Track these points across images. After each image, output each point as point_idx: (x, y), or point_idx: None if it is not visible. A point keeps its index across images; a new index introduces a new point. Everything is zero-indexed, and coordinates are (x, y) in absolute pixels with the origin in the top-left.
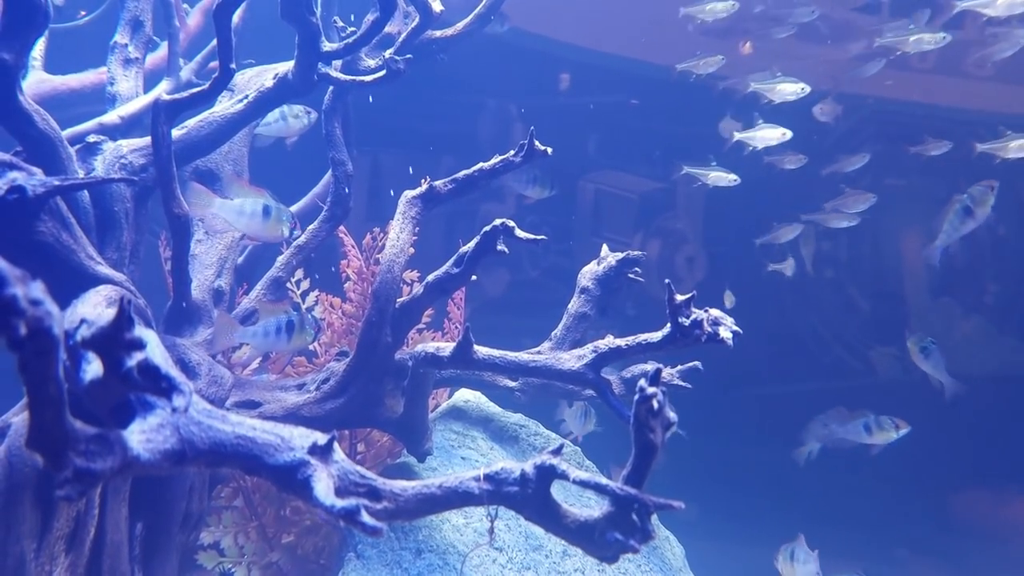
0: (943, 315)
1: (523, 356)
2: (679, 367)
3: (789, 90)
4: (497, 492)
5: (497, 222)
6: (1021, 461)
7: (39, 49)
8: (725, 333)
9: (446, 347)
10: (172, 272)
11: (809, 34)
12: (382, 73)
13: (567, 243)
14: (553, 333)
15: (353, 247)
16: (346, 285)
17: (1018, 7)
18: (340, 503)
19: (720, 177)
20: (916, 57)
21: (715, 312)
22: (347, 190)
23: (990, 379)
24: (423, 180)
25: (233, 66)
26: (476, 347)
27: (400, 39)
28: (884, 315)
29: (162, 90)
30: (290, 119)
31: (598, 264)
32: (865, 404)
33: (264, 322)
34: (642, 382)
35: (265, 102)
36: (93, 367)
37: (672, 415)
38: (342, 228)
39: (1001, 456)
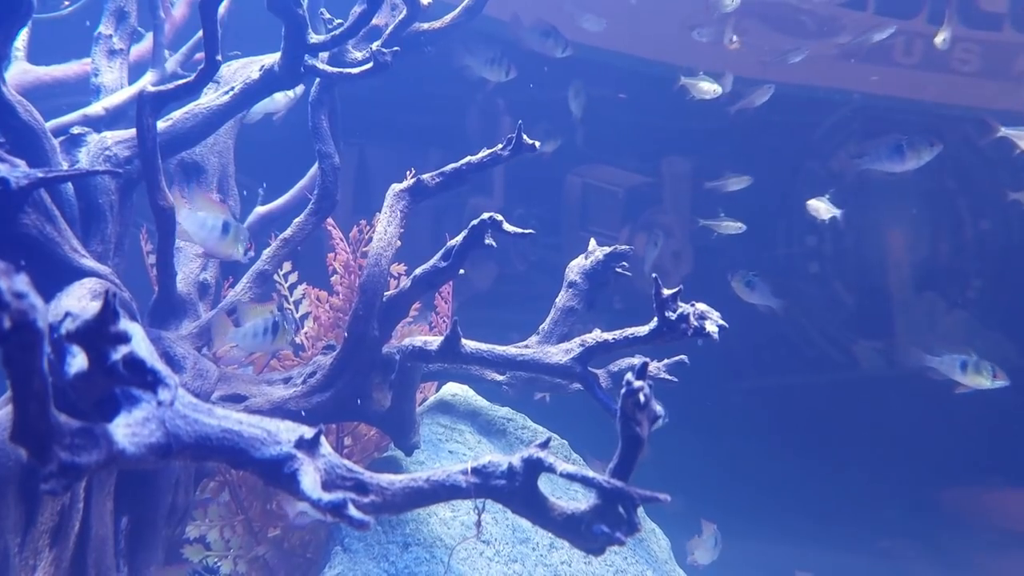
0: (927, 310)
1: (511, 350)
2: (665, 361)
3: None
4: (484, 485)
5: (485, 216)
6: (1004, 453)
7: (22, 39)
8: (711, 327)
9: (434, 341)
10: (157, 265)
11: (796, 30)
12: (369, 65)
13: (555, 237)
14: (541, 327)
15: (341, 240)
16: (333, 279)
17: None
18: (327, 497)
19: (730, 227)
20: (901, 52)
21: (701, 306)
22: (334, 182)
23: None
24: (408, 172)
25: (219, 58)
26: (464, 341)
27: (387, 31)
28: (868, 309)
29: (147, 82)
30: (276, 94)
31: (586, 258)
32: (851, 398)
33: (253, 323)
34: (628, 376)
35: (251, 94)
36: (78, 360)
37: (658, 408)
38: (331, 221)
39: (984, 448)
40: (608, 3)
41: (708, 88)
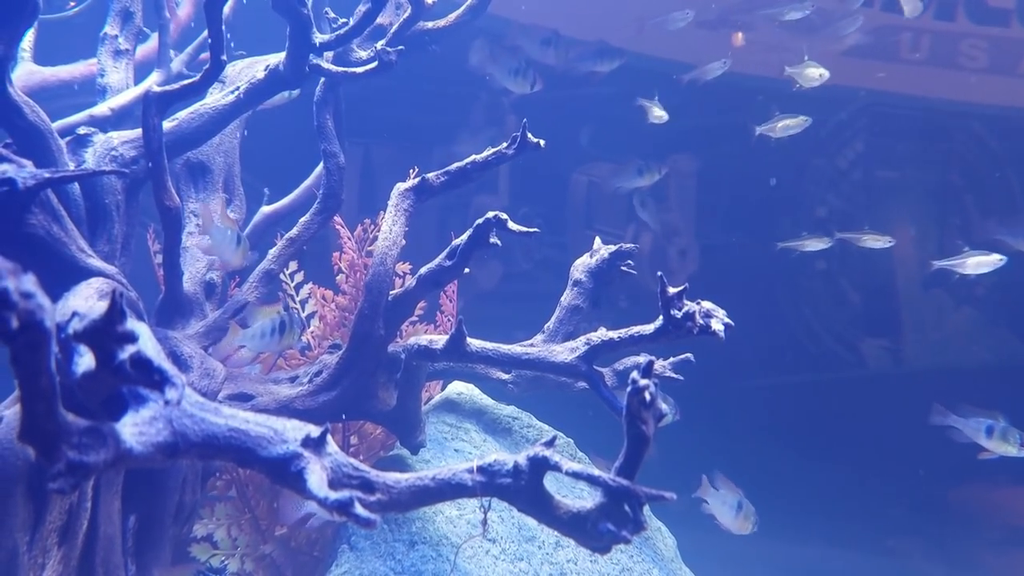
0: (934, 307)
1: (516, 349)
2: (671, 359)
3: None
4: (490, 484)
5: (490, 214)
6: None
7: (29, 40)
8: (717, 325)
9: (439, 340)
10: (164, 264)
11: (800, 25)
12: (374, 64)
13: (560, 236)
14: (546, 326)
15: (349, 239)
16: (338, 278)
17: None
18: (334, 495)
19: (875, 239)
20: (908, 49)
21: (707, 304)
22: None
23: (980, 370)
24: (411, 171)
25: (224, 58)
26: (469, 340)
27: (392, 30)
28: (875, 307)
29: (153, 82)
30: None
31: (591, 257)
32: (857, 396)
33: (260, 324)
34: (634, 374)
35: (256, 94)
36: (85, 360)
37: (664, 407)
38: (339, 220)
39: None
40: (612, 0)
41: (815, 73)
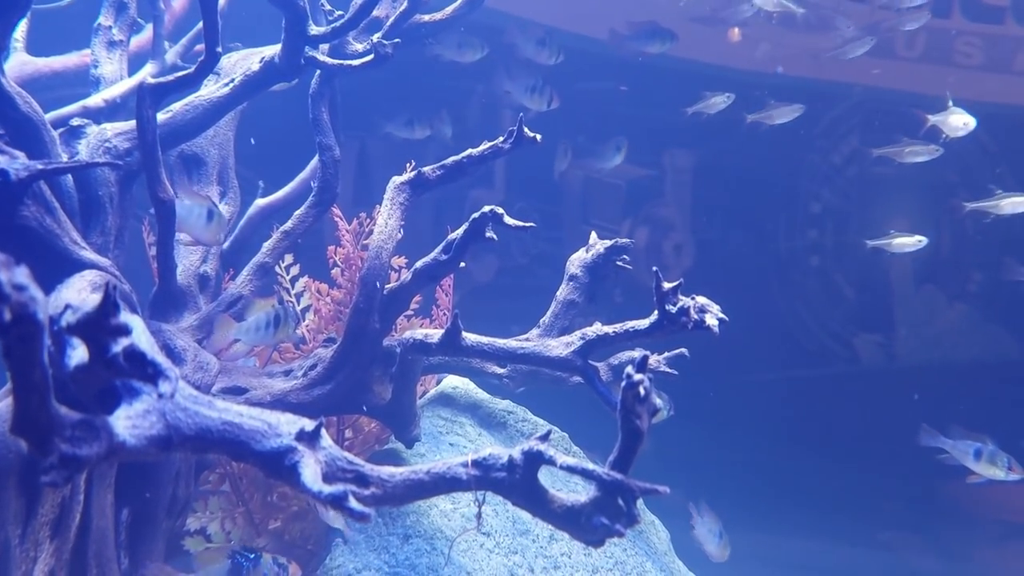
0: (927, 303)
1: (511, 343)
2: (666, 354)
3: None
4: (485, 478)
5: (486, 209)
6: (1003, 446)
7: (21, 31)
8: (711, 320)
9: (434, 334)
10: (157, 257)
11: (796, 22)
12: (370, 57)
13: (556, 230)
14: (541, 320)
15: (348, 232)
16: (334, 272)
17: None
18: (328, 489)
19: (905, 243)
20: (903, 45)
21: (702, 299)
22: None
23: (974, 366)
24: (407, 165)
25: (219, 49)
26: (464, 334)
27: (388, 23)
28: (868, 303)
29: (147, 73)
30: None
31: (586, 251)
32: (851, 391)
33: (255, 317)
34: (629, 369)
35: (251, 86)
36: (78, 353)
37: (658, 401)
38: (338, 213)
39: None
40: None
41: (959, 121)
